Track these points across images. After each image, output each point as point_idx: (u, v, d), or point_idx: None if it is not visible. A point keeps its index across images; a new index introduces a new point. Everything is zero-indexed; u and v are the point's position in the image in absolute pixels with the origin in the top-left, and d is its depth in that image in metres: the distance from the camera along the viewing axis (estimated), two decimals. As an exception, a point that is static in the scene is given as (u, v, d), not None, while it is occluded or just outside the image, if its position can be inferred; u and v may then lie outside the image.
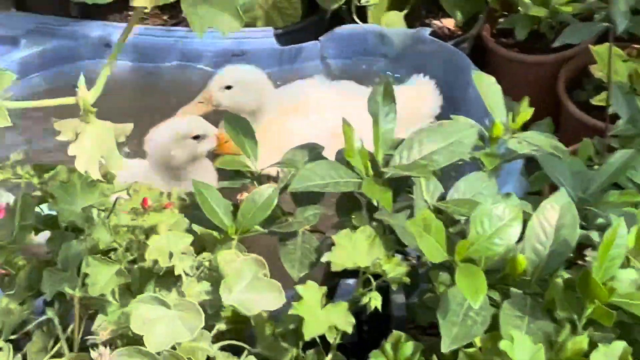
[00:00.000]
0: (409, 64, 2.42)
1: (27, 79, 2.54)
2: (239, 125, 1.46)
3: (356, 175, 1.35)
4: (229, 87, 2.11)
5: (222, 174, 1.39)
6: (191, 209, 1.35)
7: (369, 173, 1.35)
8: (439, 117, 2.23)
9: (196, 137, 1.99)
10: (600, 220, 1.66)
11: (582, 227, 1.24)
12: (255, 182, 1.41)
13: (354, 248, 1.28)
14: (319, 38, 2.54)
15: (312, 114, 2.20)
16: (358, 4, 2.51)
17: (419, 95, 2.26)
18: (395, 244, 1.30)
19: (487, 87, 1.54)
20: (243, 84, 2.12)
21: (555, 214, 1.21)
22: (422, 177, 1.28)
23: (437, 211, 1.34)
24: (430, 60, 2.43)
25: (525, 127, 1.52)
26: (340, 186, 1.32)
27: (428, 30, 2.43)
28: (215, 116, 2.18)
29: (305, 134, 2.11)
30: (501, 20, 2.58)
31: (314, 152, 1.45)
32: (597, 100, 2.21)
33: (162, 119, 2.24)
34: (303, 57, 2.56)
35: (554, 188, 1.96)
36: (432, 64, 2.43)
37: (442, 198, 1.38)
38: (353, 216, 1.33)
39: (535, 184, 1.96)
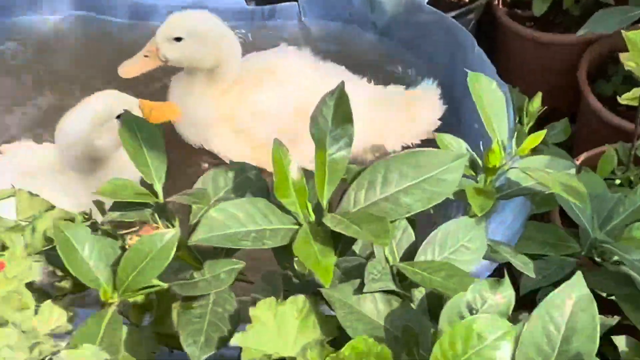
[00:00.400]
0: (400, 37, 2.02)
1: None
2: (139, 128, 1.07)
3: (292, 220, 0.97)
4: (178, 39, 1.71)
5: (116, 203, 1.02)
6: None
7: (309, 219, 0.97)
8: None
9: (119, 116, 1.59)
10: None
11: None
12: (157, 217, 1.03)
13: (279, 328, 0.92)
14: (297, -3, 2.12)
15: (281, 88, 1.83)
16: (345, -38, 2.08)
17: (421, 104, 1.87)
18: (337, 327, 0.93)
19: (485, 94, 1.16)
20: (196, 35, 1.73)
21: (566, 311, 0.83)
22: (376, 240, 0.89)
23: (400, 277, 0.97)
24: (426, 34, 2.02)
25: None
26: (265, 239, 0.94)
27: (425, -1, 2.01)
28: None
29: (270, 111, 1.80)
30: (518, -12, 2.16)
31: (241, 177, 1.07)
32: (626, 99, 1.80)
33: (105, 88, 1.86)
34: (277, 18, 2.14)
35: (563, 213, 1.58)
36: (427, 39, 2.02)
37: (412, 249, 1.02)
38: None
39: (542, 205, 1.59)
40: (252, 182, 1.07)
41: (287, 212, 0.97)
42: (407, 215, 0.97)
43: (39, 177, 1.60)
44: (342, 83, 0.97)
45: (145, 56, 1.75)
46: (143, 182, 1.06)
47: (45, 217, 1.21)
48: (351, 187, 0.99)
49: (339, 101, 0.96)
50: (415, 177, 0.98)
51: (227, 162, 1.80)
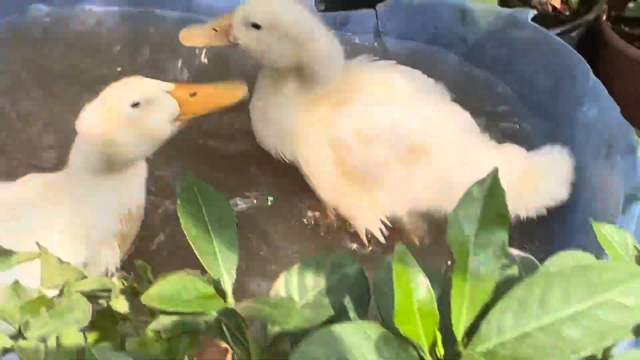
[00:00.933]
0: (493, 57, 1.72)
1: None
2: (204, 199, 0.80)
3: (413, 354, 0.70)
4: (256, 26, 1.41)
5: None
6: None
7: (437, 353, 0.70)
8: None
9: (136, 105, 1.28)
10: None
11: None
12: (225, 328, 0.76)
13: None
14: (377, 6, 1.82)
15: (398, 112, 1.47)
16: (435, -35, 1.79)
17: (549, 171, 1.49)
18: None
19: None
20: (276, 27, 1.41)
21: None
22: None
23: None
24: (524, 54, 1.73)
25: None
26: (377, 385, 0.67)
27: (530, 14, 1.70)
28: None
29: (381, 134, 1.45)
30: (630, 4, 1.86)
31: (338, 276, 0.79)
32: None
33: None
34: (350, 29, 1.86)
35: None
36: (526, 60, 1.73)
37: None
38: None
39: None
40: (352, 281, 0.80)
41: (408, 342, 0.70)
42: (574, 359, 0.69)
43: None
44: (496, 170, 0.69)
45: (215, 30, 1.45)
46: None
47: (77, 286, 0.98)
48: (494, 309, 0.71)
49: (492, 194, 0.69)
50: (584, 301, 0.70)
51: (305, 175, 1.51)
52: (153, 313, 0.91)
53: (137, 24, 1.92)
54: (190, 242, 0.78)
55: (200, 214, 0.79)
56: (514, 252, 0.84)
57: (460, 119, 1.49)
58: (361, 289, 0.80)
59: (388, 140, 1.42)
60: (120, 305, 1.02)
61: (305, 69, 1.45)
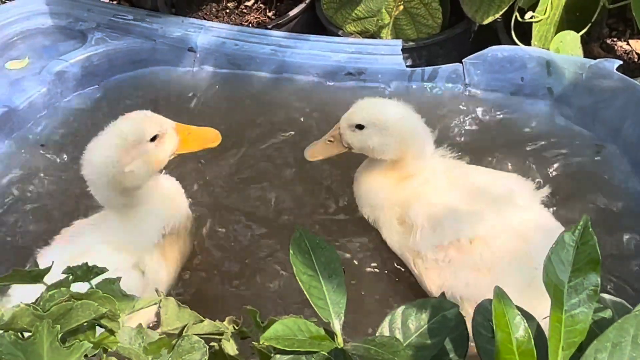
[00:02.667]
0: (580, 107, 1.75)
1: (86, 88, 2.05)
2: (314, 250, 0.88)
3: (510, 393, 0.75)
4: (360, 127, 1.53)
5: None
6: None
7: (535, 392, 0.75)
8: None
9: (153, 139, 1.42)
10: None
11: None
12: (332, 369, 0.83)
13: None
14: (463, 59, 1.89)
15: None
16: (519, 19, 1.84)
17: None
18: None
19: None
20: (377, 125, 1.51)
21: None
22: None
23: None
24: (611, 103, 1.75)
25: None
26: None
27: (616, 63, 1.73)
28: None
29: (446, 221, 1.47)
30: None
31: (437, 317, 0.85)
32: None
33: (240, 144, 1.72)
34: (438, 81, 1.92)
35: None
36: (614, 109, 1.75)
37: None
38: None
39: None
40: (450, 323, 0.85)
41: (507, 380, 0.75)
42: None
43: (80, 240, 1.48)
44: (587, 217, 0.75)
45: (330, 141, 1.60)
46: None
47: (195, 329, 1.06)
48: (590, 349, 0.75)
49: (583, 241, 0.74)
50: (677, 341, 0.74)
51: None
52: (264, 356, 0.99)
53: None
54: (302, 288, 0.85)
55: (310, 262, 0.86)
56: (606, 296, 0.88)
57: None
58: (460, 331, 0.85)
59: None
60: (231, 347, 1.10)
61: (403, 160, 1.54)
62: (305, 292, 0.85)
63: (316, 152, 1.61)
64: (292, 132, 1.87)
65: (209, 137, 1.55)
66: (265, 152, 1.83)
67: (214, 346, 1.08)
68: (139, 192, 1.46)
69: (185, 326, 1.06)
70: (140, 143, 1.41)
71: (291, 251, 0.87)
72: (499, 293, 0.75)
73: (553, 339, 0.74)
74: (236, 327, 1.09)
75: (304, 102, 1.94)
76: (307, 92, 1.96)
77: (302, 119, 1.91)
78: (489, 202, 1.46)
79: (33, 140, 1.95)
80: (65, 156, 1.90)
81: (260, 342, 0.84)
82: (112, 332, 1.00)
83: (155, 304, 1.08)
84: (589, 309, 0.75)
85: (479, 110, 1.88)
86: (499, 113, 1.86)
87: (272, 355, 0.86)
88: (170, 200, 1.56)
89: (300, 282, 0.85)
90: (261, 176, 1.77)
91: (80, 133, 1.95)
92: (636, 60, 2.02)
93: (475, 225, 1.42)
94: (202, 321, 1.08)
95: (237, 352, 1.10)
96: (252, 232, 1.65)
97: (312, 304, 0.85)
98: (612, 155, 1.73)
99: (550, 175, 1.69)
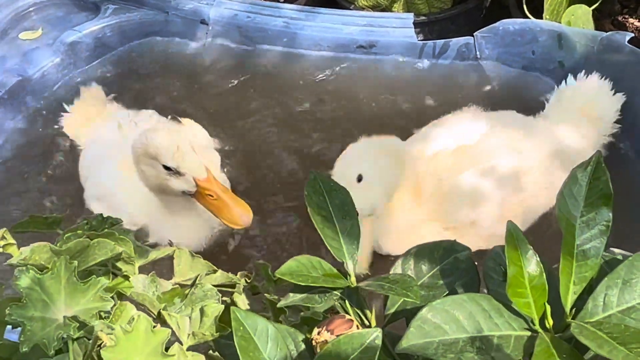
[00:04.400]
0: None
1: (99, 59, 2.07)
2: (328, 191, 0.88)
3: (523, 325, 0.76)
4: (359, 179, 1.41)
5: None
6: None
7: (546, 324, 0.76)
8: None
9: (167, 168, 1.42)
10: None
11: None
12: (348, 305, 0.84)
13: None
14: (474, 33, 1.90)
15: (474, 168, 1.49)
16: (531, -7, 1.85)
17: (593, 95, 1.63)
18: None
19: None
20: (375, 169, 1.41)
21: None
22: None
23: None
24: (623, 77, 1.75)
25: None
26: (492, 349, 0.73)
27: (627, 36, 1.73)
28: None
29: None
30: None
31: (449, 259, 0.86)
32: None
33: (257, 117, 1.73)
34: (449, 55, 1.93)
35: None
36: (625, 82, 1.75)
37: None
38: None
39: None
40: (462, 266, 0.86)
41: (517, 313, 0.76)
42: (678, 330, 0.73)
43: None
44: (599, 152, 0.75)
45: None
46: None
47: (207, 280, 1.08)
48: (601, 286, 0.76)
49: (595, 177, 0.75)
50: (687, 277, 0.74)
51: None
52: (274, 305, 1.00)
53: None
54: (317, 228, 0.86)
55: (325, 203, 0.87)
56: (617, 250, 0.89)
57: None
58: (470, 273, 0.86)
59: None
60: (242, 301, 1.11)
61: (400, 182, 1.47)
62: (319, 232, 0.86)
63: None
64: (307, 105, 1.88)
65: (234, 213, 1.43)
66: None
67: (225, 300, 1.09)
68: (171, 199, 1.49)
69: (198, 276, 1.07)
70: (155, 160, 1.42)
71: (306, 192, 0.87)
72: (512, 227, 0.76)
73: (564, 273, 0.75)
74: (248, 281, 1.10)
75: (318, 73, 1.96)
76: (319, 65, 1.97)
77: (316, 91, 1.92)
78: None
79: (46, 110, 1.96)
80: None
81: (275, 277, 0.85)
82: (126, 277, 1.01)
83: (168, 253, 1.10)
84: (600, 243, 0.76)
85: (490, 83, 1.88)
86: (510, 86, 1.86)
87: (286, 295, 0.87)
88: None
89: (314, 222, 0.86)
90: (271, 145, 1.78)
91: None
92: (648, 36, 2.03)
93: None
94: (215, 272, 1.09)
95: (248, 306, 1.11)
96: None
97: (326, 244, 0.86)
98: (623, 130, 1.74)
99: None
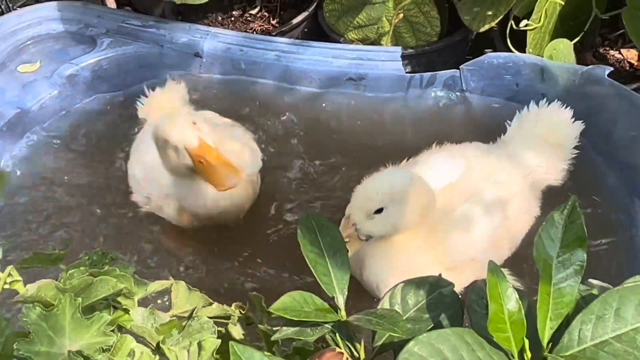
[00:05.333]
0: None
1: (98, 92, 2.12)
2: (320, 230, 0.94)
3: (504, 358, 0.81)
4: (379, 211, 1.40)
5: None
6: None
7: (525, 358, 0.81)
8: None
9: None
10: None
11: None
12: (339, 338, 0.89)
13: None
14: (460, 66, 1.96)
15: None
16: (515, 27, 1.91)
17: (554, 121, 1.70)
18: None
19: None
20: (396, 199, 1.40)
21: None
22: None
23: None
24: (603, 109, 1.82)
25: None
26: (473, 382, 0.78)
27: (607, 70, 1.80)
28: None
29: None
30: None
31: (435, 293, 0.91)
32: None
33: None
34: (436, 87, 1.99)
35: None
36: (606, 115, 1.81)
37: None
38: None
39: None
40: (447, 300, 0.92)
41: (499, 348, 0.81)
42: (649, 363, 0.78)
43: None
44: (575, 197, 0.81)
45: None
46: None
47: (204, 312, 1.12)
48: (576, 321, 0.81)
49: (571, 220, 0.80)
50: (657, 312, 0.80)
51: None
52: (268, 337, 1.05)
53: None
54: (309, 264, 0.91)
55: (317, 241, 0.92)
56: (594, 281, 0.95)
57: None
58: (455, 307, 0.91)
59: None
60: (237, 331, 1.16)
61: (423, 220, 1.46)
62: (311, 269, 0.91)
63: None
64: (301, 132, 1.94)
65: (220, 175, 1.53)
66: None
67: (220, 331, 1.13)
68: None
69: (195, 308, 1.11)
70: (164, 142, 1.54)
71: (299, 231, 0.93)
72: (493, 267, 0.81)
73: (542, 310, 0.81)
74: (242, 312, 1.15)
75: (308, 105, 2.02)
76: (310, 97, 2.03)
77: (306, 122, 1.98)
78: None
79: (44, 142, 2.01)
80: (75, 157, 1.96)
81: (270, 313, 0.90)
82: (126, 310, 1.05)
83: (166, 287, 1.14)
84: (575, 282, 0.81)
85: (476, 115, 1.94)
86: (495, 118, 1.92)
87: (279, 328, 0.92)
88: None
89: (307, 259, 0.91)
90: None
91: (91, 135, 2.02)
92: (628, 68, 2.09)
93: None
94: (211, 304, 1.14)
95: (242, 336, 1.16)
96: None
97: (318, 280, 0.91)
98: (603, 159, 1.80)
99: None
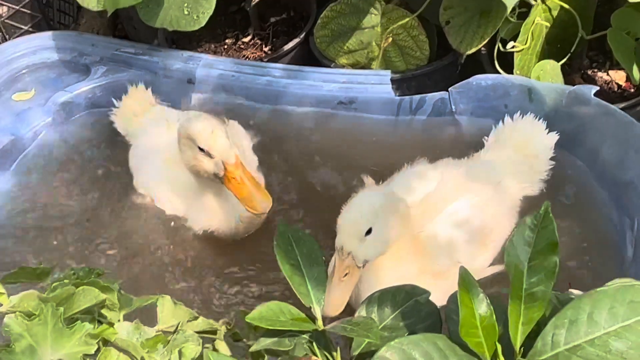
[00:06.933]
0: (561, 131, 1.83)
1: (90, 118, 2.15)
2: (297, 241, 0.95)
3: (476, 364, 0.82)
4: (369, 232, 1.40)
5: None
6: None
7: (497, 363, 0.81)
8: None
9: (201, 150, 1.62)
10: None
11: None
12: (316, 348, 0.89)
13: None
14: (449, 88, 1.98)
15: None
16: (502, 49, 1.94)
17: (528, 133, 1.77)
18: None
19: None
20: (384, 216, 1.42)
21: None
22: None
23: None
24: (591, 128, 1.83)
25: None
26: (445, 386, 0.79)
27: (593, 89, 1.82)
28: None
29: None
30: None
31: (410, 302, 0.92)
32: None
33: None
34: (425, 110, 2.01)
35: None
36: (593, 133, 1.83)
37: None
38: None
39: None
40: (423, 308, 0.92)
41: (472, 353, 0.82)
42: (621, 366, 0.79)
43: None
44: (548, 203, 0.82)
45: (342, 279, 1.33)
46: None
47: (189, 326, 1.12)
48: (549, 325, 0.82)
49: (543, 225, 0.81)
50: (629, 317, 0.80)
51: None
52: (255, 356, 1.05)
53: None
54: (286, 276, 0.92)
55: (293, 253, 0.93)
56: (576, 292, 0.95)
57: None
58: (433, 317, 0.92)
59: None
60: (223, 347, 1.16)
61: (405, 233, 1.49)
62: (288, 279, 0.92)
63: (337, 300, 1.27)
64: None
65: (255, 198, 1.61)
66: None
67: (207, 347, 1.14)
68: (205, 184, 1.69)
69: (180, 323, 1.12)
70: (191, 141, 1.62)
71: (275, 242, 0.94)
72: (463, 272, 0.82)
73: (513, 314, 0.81)
74: (229, 328, 1.15)
75: (300, 129, 2.04)
76: (302, 120, 2.05)
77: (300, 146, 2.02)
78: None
79: (37, 168, 2.04)
80: (70, 184, 1.99)
81: (257, 329, 0.90)
82: (111, 324, 1.06)
83: (153, 302, 1.15)
84: (547, 287, 0.82)
85: (465, 137, 1.96)
86: (484, 139, 1.94)
87: (258, 340, 0.93)
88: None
89: (283, 271, 0.92)
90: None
91: (85, 161, 2.05)
92: (616, 89, 2.12)
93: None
94: (196, 318, 1.15)
95: (229, 352, 1.16)
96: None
97: (295, 291, 0.92)
98: (590, 178, 1.81)
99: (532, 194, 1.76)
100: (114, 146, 2.05)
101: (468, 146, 1.93)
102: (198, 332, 1.10)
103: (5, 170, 2.01)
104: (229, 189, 1.63)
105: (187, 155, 1.65)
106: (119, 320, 1.06)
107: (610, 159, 1.78)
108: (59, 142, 2.10)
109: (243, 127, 1.97)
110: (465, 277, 0.82)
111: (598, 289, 0.83)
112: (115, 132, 2.08)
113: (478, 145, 1.88)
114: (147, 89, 2.06)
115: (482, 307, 0.81)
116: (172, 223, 1.82)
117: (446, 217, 1.55)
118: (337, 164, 1.97)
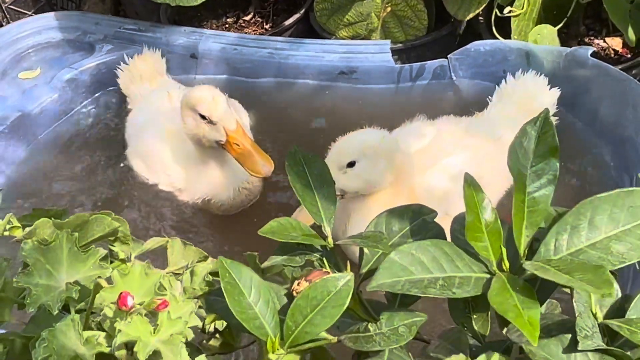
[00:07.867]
0: (560, 93, 1.85)
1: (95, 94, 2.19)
2: (307, 163, 0.97)
3: (482, 268, 0.84)
4: (351, 164, 1.47)
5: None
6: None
7: (503, 267, 0.84)
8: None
9: (203, 117, 1.64)
10: None
11: None
12: (325, 263, 0.92)
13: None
14: (448, 55, 2.01)
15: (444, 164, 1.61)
16: (499, 15, 1.97)
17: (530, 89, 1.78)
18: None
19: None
20: (369, 154, 1.47)
21: None
22: (596, 290, 0.74)
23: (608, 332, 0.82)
24: (589, 88, 1.86)
25: None
26: (454, 287, 0.81)
27: (589, 50, 1.85)
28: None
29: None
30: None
31: (418, 220, 0.95)
32: None
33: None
34: (425, 77, 2.04)
35: None
36: (591, 93, 1.86)
37: (619, 305, 0.87)
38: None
39: None
40: (429, 226, 0.95)
41: (477, 258, 0.84)
42: (620, 266, 0.81)
43: None
44: (547, 109, 0.85)
45: None
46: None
47: (199, 266, 1.15)
48: (551, 232, 0.84)
49: (544, 130, 0.84)
50: (628, 222, 0.83)
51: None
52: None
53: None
54: (297, 195, 0.95)
55: (304, 173, 0.96)
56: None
57: None
58: (438, 235, 0.94)
59: None
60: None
61: (398, 177, 1.52)
62: (299, 198, 0.94)
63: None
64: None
65: (257, 162, 1.63)
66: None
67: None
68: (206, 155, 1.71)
69: (190, 261, 1.15)
70: (193, 110, 1.64)
71: (287, 162, 0.96)
72: (469, 178, 0.84)
73: (517, 218, 0.84)
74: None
75: (303, 101, 2.07)
76: (303, 91, 2.08)
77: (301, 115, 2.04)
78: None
79: (45, 144, 2.07)
80: (76, 158, 2.01)
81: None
82: (123, 261, 1.09)
83: (162, 244, 1.17)
84: (549, 191, 0.84)
85: (465, 103, 1.99)
86: (488, 98, 1.96)
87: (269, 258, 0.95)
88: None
89: (294, 189, 0.94)
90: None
91: (91, 137, 2.08)
92: (612, 55, 2.15)
93: None
94: (206, 258, 1.17)
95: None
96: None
97: (306, 209, 0.94)
98: (589, 136, 1.84)
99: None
100: (121, 122, 2.08)
101: (469, 109, 1.96)
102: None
103: (14, 145, 2.04)
104: (231, 154, 1.66)
105: (190, 124, 1.67)
106: (130, 255, 1.09)
107: (609, 117, 1.81)
108: (65, 117, 2.13)
109: (245, 103, 2.00)
110: (470, 182, 0.84)
111: (598, 195, 0.86)
112: (119, 107, 2.11)
113: (479, 108, 1.91)
114: (162, 57, 2.08)
115: (487, 212, 0.84)
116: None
117: (441, 169, 1.57)
118: (339, 133, 1.99)
